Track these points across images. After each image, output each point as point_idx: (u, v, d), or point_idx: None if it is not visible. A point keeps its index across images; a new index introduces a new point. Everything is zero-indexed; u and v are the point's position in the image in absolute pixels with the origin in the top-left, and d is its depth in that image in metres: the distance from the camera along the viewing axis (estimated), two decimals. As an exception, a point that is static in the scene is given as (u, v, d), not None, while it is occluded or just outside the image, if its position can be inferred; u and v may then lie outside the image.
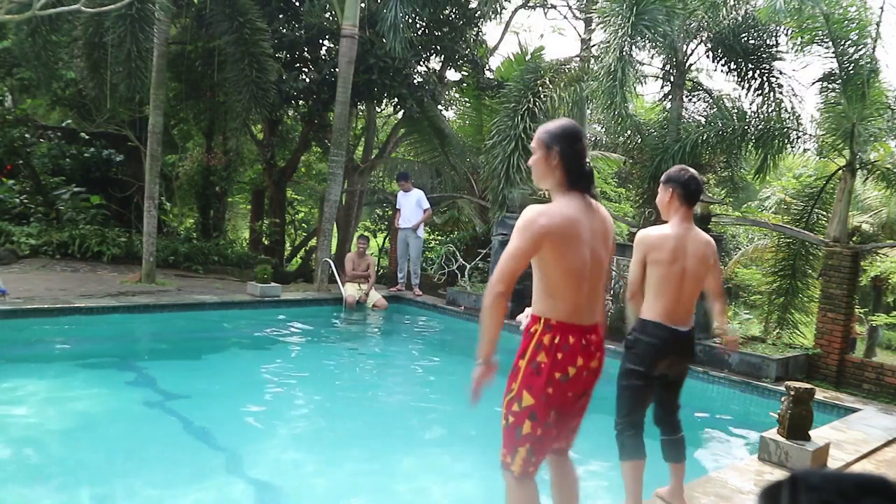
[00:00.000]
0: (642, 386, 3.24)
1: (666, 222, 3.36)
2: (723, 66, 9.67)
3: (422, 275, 11.26)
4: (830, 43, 7.65)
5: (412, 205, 10.40)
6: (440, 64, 12.94)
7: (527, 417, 2.40)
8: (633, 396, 3.24)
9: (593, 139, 16.52)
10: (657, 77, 9.93)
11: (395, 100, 11.92)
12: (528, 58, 12.25)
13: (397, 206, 10.75)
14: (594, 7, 11.22)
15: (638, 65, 8.53)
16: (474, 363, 2.40)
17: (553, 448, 2.58)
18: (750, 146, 8.95)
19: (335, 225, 11.60)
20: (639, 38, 8.17)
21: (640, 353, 3.22)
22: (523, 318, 2.62)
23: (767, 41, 9.42)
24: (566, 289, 2.41)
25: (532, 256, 2.37)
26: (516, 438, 2.43)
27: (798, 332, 9.11)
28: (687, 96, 10.12)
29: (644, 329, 3.24)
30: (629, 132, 10.07)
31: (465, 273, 10.73)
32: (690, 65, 9.76)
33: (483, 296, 2.36)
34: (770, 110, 9.27)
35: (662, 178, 3.37)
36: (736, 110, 9.16)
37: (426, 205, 10.48)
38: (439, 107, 13.16)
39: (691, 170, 3.36)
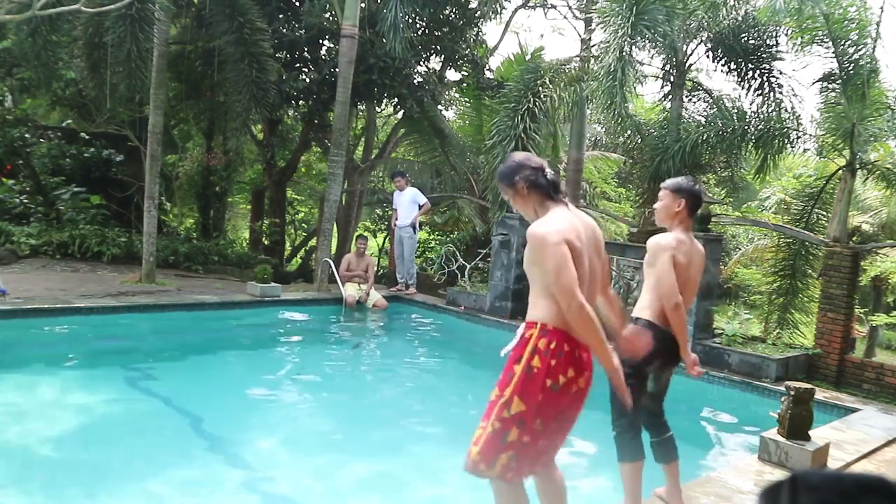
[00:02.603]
0: (636, 384, 3.25)
1: (662, 227, 3.40)
2: (723, 66, 9.68)
3: (422, 275, 11.25)
4: (830, 43, 7.65)
5: (406, 203, 10.35)
6: (440, 64, 12.94)
7: (514, 424, 2.36)
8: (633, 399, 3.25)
9: (593, 139, 16.54)
10: (657, 77, 9.94)
11: (395, 100, 11.92)
12: (528, 58, 12.26)
13: (394, 206, 10.73)
14: (594, 7, 11.22)
15: (638, 65, 8.53)
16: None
17: (539, 460, 2.54)
18: (750, 146, 8.96)
19: (335, 225, 11.60)
20: (639, 38, 8.17)
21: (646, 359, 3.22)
22: (508, 347, 2.59)
23: (767, 41, 9.42)
24: None
25: (570, 259, 2.36)
26: (500, 445, 2.38)
27: (798, 332, 9.11)
28: (687, 96, 10.13)
29: (650, 328, 3.24)
30: (629, 132, 10.09)
31: (465, 273, 10.73)
32: (690, 65, 9.77)
33: (569, 315, 2.36)
34: (770, 110, 9.27)
35: (671, 186, 3.35)
36: (736, 110, 9.17)
37: (423, 199, 10.40)
38: (439, 107, 13.16)
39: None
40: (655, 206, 3.42)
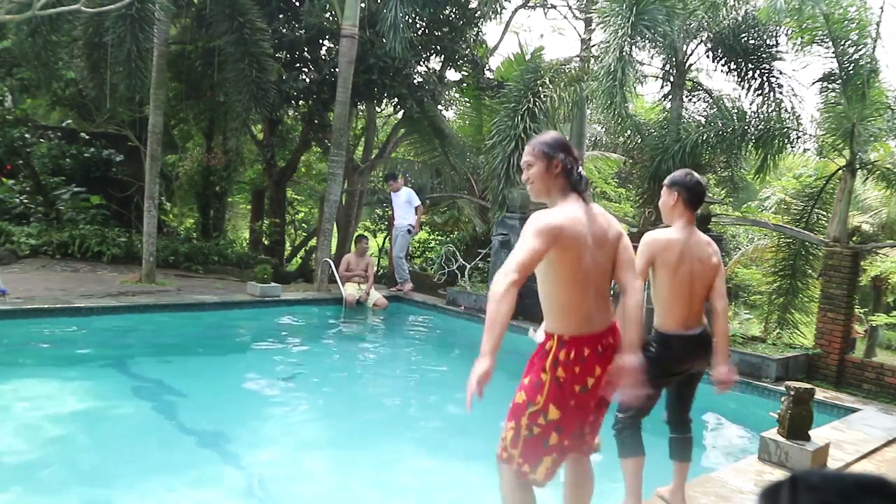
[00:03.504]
0: (654, 393, 3.26)
1: (667, 225, 3.38)
2: (723, 66, 9.66)
3: (422, 275, 11.24)
4: (830, 43, 7.64)
5: (402, 204, 10.40)
6: (440, 64, 12.94)
7: (553, 430, 2.42)
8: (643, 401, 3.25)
9: (593, 139, 16.53)
10: (657, 77, 9.92)
11: (395, 100, 11.91)
12: (528, 58, 12.26)
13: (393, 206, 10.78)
14: (594, 7, 11.22)
15: (638, 65, 8.52)
16: (475, 359, 2.24)
17: (583, 451, 2.65)
18: (750, 146, 8.95)
19: (335, 225, 11.60)
20: (639, 38, 8.16)
21: (660, 365, 3.22)
22: (538, 335, 2.61)
23: (767, 41, 9.41)
24: (575, 299, 2.45)
25: (544, 256, 2.37)
26: (543, 448, 2.43)
27: (798, 332, 9.10)
28: (687, 96, 10.12)
29: (665, 342, 3.24)
30: (629, 132, 10.07)
31: (465, 273, 10.73)
32: (690, 65, 9.76)
33: (492, 287, 2.28)
34: (770, 110, 9.26)
35: (666, 181, 3.34)
36: (736, 110, 9.15)
37: (417, 201, 10.44)
38: (439, 107, 13.16)
39: (696, 174, 3.36)
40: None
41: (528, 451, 2.44)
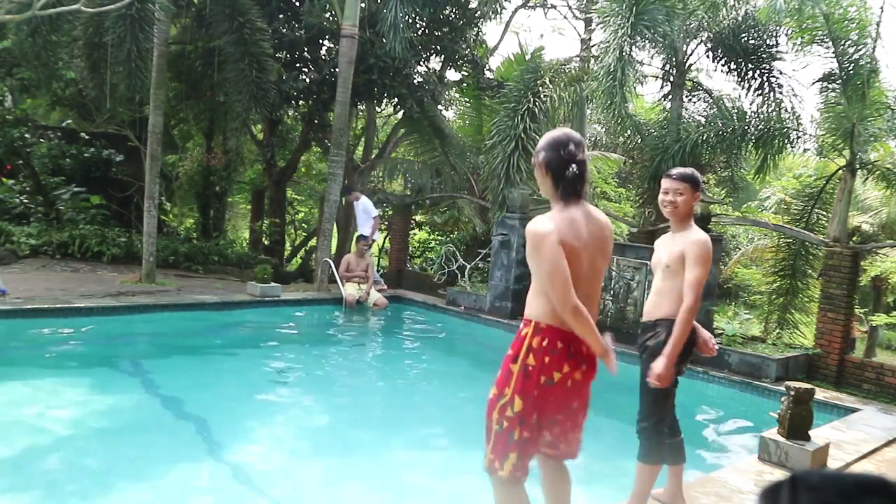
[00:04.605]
0: (673, 389, 3.24)
1: (667, 222, 3.38)
2: (723, 66, 9.67)
3: (422, 275, 11.26)
4: (830, 43, 7.65)
5: (360, 213, 10.63)
6: (440, 64, 12.94)
7: (518, 423, 2.40)
8: (665, 400, 3.21)
9: (593, 139, 16.53)
10: (657, 77, 9.93)
11: (395, 100, 11.91)
12: (528, 58, 12.25)
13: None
14: (594, 7, 11.22)
15: (638, 65, 8.53)
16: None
17: (545, 452, 2.59)
18: (750, 146, 8.95)
19: (335, 225, 11.61)
20: (639, 38, 8.17)
21: (680, 358, 3.15)
22: None
23: (767, 41, 9.42)
24: None
25: (564, 260, 2.34)
26: (508, 443, 2.42)
27: (798, 332, 9.11)
28: (687, 96, 10.12)
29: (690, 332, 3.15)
30: (629, 132, 10.08)
31: (465, 273, 10.73)
32: (690, 65, 9.76)
33: (566, 316, 2.37)
34: (770, 110, 9.26)
35: (690, 179, 3.18)
36: (736, 110, 9.16)
37: (374, 212, 10.65)
38: (439, 107, 13.16)
39: None
40: (671, 199, 3.19)
41: (498, 447, 2.43)
